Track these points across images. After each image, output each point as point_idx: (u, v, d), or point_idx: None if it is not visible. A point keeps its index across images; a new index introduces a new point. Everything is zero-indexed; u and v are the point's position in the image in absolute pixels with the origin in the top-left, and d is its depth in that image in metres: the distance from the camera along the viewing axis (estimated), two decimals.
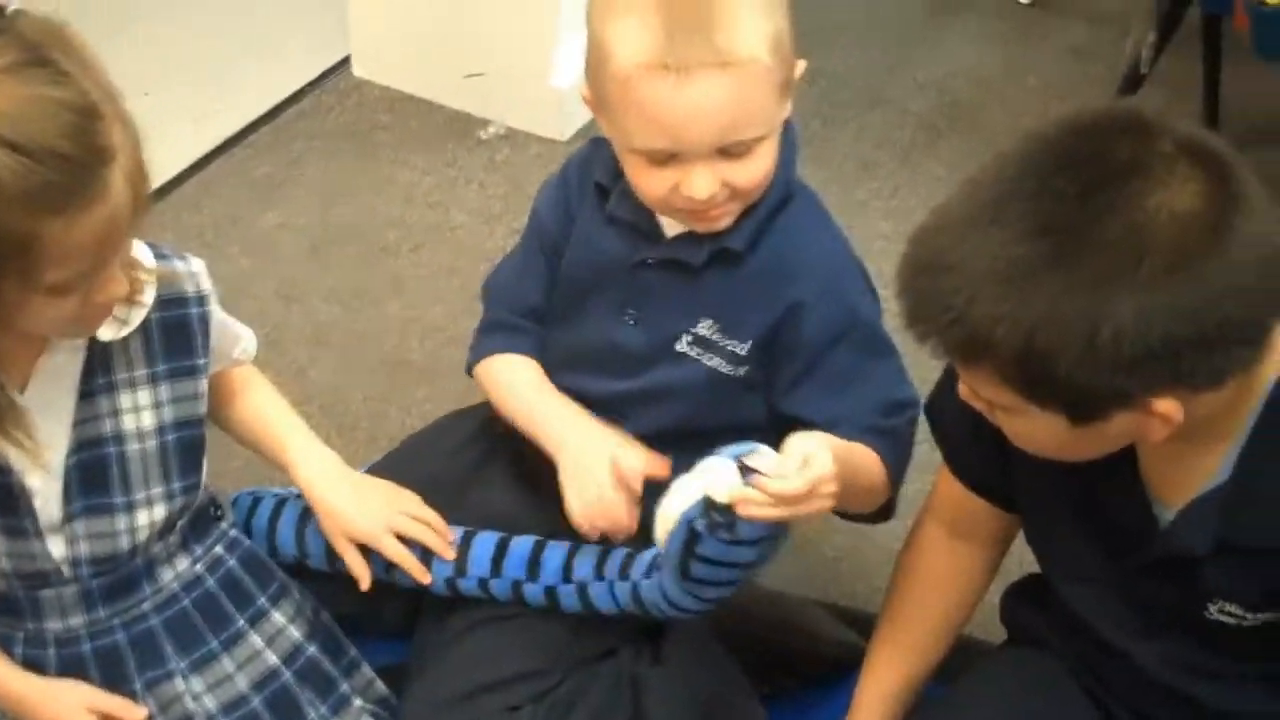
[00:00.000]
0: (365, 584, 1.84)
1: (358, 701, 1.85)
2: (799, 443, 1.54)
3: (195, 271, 1.70)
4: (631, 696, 1.91)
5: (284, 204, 3.01)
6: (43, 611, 1.66)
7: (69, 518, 1.62)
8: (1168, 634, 1.52)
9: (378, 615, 1.98)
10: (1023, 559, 1.79)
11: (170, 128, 3.13)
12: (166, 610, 1.72)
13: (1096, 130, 1.33)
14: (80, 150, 1.38)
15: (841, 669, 1.87)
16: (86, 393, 1.61)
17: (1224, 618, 1.45)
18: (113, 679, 1.70)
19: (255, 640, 1.78)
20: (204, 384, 1.69)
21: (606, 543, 1.81)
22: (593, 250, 1.83)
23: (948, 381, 1.58)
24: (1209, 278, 1.26)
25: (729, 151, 1.65)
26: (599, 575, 1.81)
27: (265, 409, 1.88)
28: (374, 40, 3.28)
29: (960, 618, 1.80)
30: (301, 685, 1.80)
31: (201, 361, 1.69)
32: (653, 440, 1.84)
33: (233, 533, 1.81)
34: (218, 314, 1.73)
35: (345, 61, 3.33)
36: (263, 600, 1.80)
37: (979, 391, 1.39)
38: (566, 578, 1.83)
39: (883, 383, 1.80)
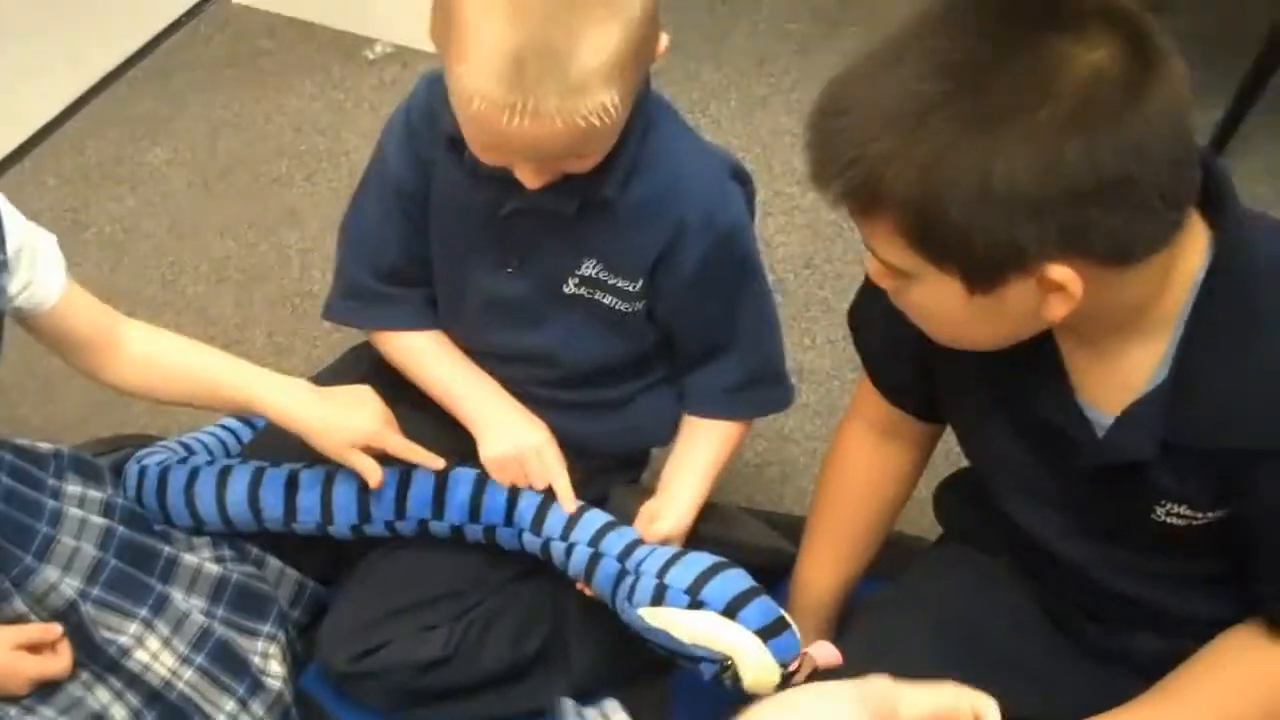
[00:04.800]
0: (376, 481, 1.80)
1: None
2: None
3: None
4: (551, 618, 1.90)
5: (169, 139, 2.93)
6: None
7: None
8: (1110, 538, 1.50)
9: (300, 567, 1.97)
10: (949, 453, 1.77)
11: (46, 69, 3.04)
12: None
13: None
14: None
15: (772, 576, 1.85)
16: None
17: (1172, 519, 1.42)
18: None
19: (72, 509, 1.74)
20: (5, 280, 1.60)
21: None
22: (459, 203, 1.74)
23: (867, 289, 1.55)
24: (1113, 132, 1.19)
25: None
26: (508, 521, 1.82)
27: (182, 353, 1.82)
28: None
29: (889, 517, 1.79)
30: (133, 529, 1.79)
31: (2, 258, 1.59)
32: (577, 382, 1.84)
33: None
34: (11, 213, 1.63)
35: None
36: (50, 479, 1.76)
37: (879, 253, 1.32)
38: (473, 518, 1.82)
39: (754, 310, 1.81)
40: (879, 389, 1.68)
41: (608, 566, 1.75)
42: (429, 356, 1.87)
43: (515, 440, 1.83)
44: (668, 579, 1.69)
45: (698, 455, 1.86)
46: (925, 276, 1.29)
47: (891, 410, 1.69)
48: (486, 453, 1.83)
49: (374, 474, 1.79)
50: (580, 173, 1.61)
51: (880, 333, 1.57)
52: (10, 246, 1.60)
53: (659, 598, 1.68)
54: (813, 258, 2.61)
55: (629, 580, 1.72)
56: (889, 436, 1.73)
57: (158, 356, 1.79)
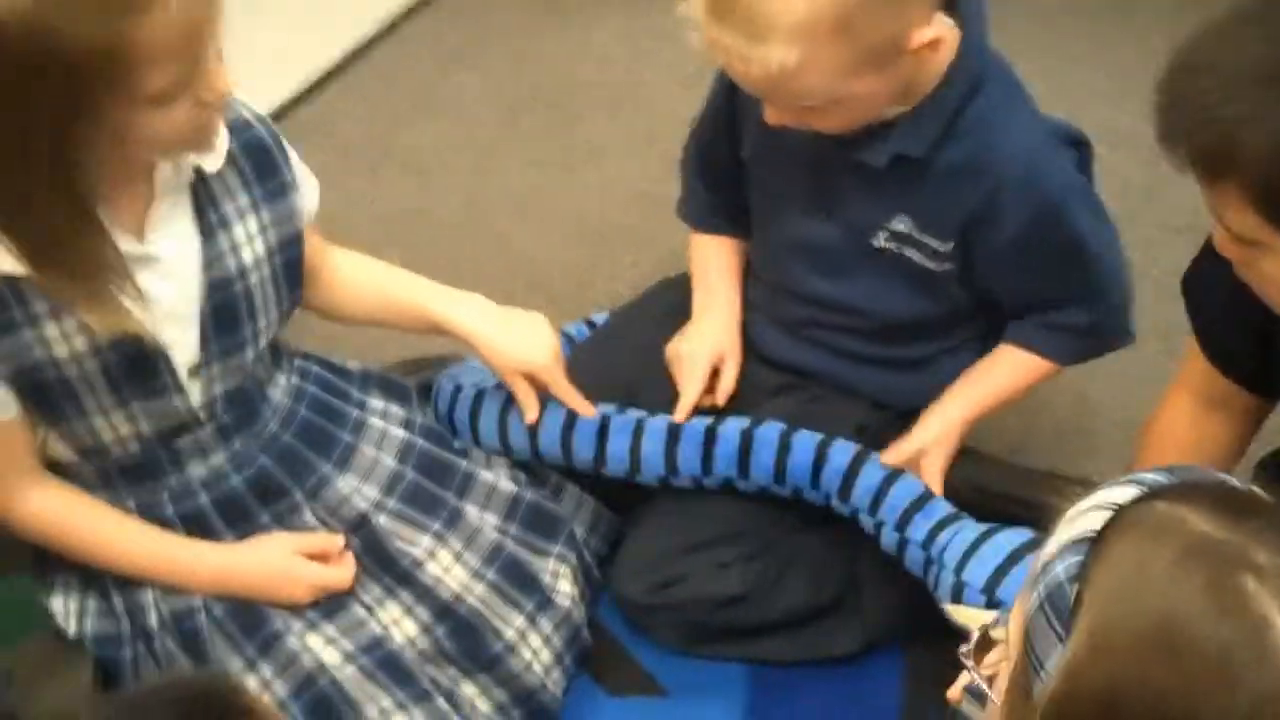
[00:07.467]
0: (533, 416, 1.84)
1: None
2: None
3: (241, 99, 1.64)
4: (845, 566, 1.88)
5: (476, 70, 2.96)
6: (183, 460, 1.65)
7: (205, 363, 1.60)
8: None
9: (598, 496, 1.99)
10: (1262, 433, 1.71)
11: None
12: (290, 424, 1.72)
13: None
14: None
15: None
16: (205, 233, 1.57)
17: None
18: (269, 500, 1.70)
19: (374, 420, 1.80)
20: (297, 200, 1.66)
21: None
22: (773, 145, 1.75)
23: (1206, 256, 1.49)
24: None
25: None
26: (814, 484, 1.80)
27: (377, 274, 1.86)
28: None
29: None
30: (432, 443, 1.83)
31: (290, 178, 1.65)
32: (877, 336, 1.83)
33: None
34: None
35: None
36: (355, 393, 1.82)
37: (1225, 219, 1.28)
38: (779, 480, 1.81)
39: (1090, 277, 1.77)
40: (1210, 357, 1.62)
41: (913, 554, 1.75)
42: (706, 258, 1.96)
43: (686, 343, 1.90)
44: (965, 575, 1.68)
45: (988, 377, 1.84)
46: (1275, 247, 1.24)
47: (1219, 380, 1.63)
48: (672, 350, 1.91)
49: (532, 408, 1.83)
50: (833, 130, 1.62)
51: (1219, 298, 1.52)
52: (294, 165, 1.67)
53: (958, 595, 1.67)
54: (1120, 222, 2.53)
55: (934, 570, 1.71)
56: (1214, 407, 1.67)
57: (355, 279, 1.84)
